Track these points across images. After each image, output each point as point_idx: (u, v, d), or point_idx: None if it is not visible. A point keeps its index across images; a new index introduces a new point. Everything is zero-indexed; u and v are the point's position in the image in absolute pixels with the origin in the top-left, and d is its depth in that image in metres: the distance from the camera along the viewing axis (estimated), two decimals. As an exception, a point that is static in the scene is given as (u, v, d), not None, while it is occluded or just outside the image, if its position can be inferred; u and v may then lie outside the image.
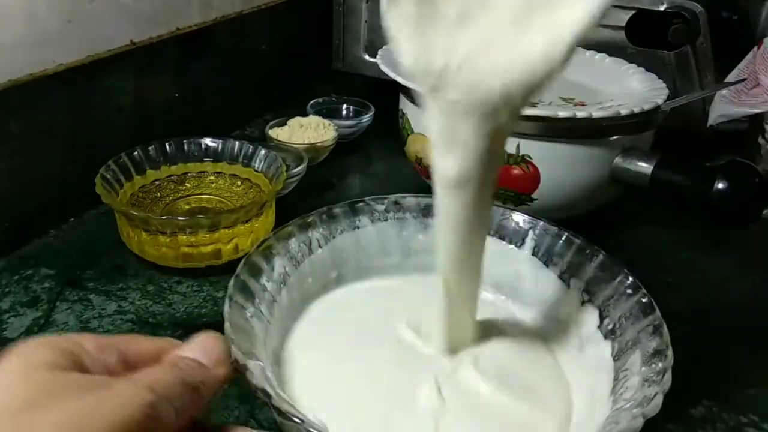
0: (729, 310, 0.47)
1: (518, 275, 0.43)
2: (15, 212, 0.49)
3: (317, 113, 0.70)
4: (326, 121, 0.66)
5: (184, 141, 0.54)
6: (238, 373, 0.28)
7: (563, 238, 0.41)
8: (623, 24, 0.62)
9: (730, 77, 0.63)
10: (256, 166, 0.54)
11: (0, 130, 0.46)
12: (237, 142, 0.55)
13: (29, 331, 0.41)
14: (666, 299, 0.36)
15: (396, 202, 0.45)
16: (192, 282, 0.47)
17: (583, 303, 0.40)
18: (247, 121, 0.75)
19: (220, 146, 0.55)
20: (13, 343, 0.40)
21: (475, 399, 0.35)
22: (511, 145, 0.48)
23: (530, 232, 0.43)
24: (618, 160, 0.49)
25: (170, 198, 0.53)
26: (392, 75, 0.53)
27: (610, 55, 0.61)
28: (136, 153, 0.52)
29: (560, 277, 0.41)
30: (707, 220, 0.47)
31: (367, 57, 0.80)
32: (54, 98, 0.50)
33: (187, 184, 0.54)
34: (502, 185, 0.50)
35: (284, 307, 0.40)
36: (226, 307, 0.33)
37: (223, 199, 0.54)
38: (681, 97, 0.55)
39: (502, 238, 0.44)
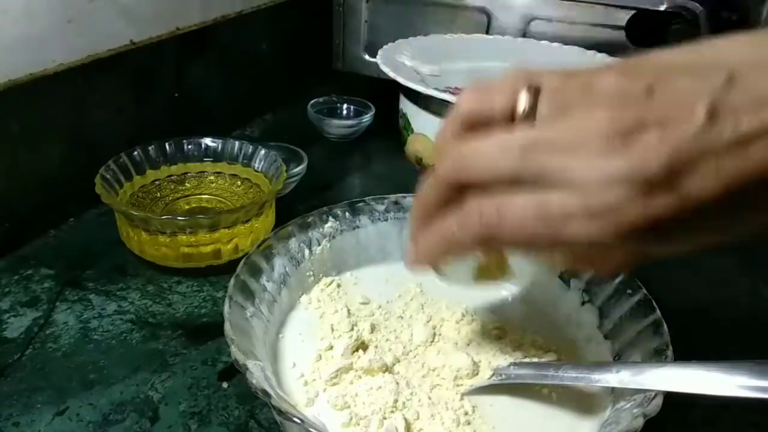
0: (729, 310, 0.47)
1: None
2: (15, 212, 0.49)
3: (317, 113, 0.70)
4: None
5: (184, 141, 0.54)
6: None
7: (563, 238, 0.41)
8: (623, 24, 0.62)
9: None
10: (256, 166, 0.54)
11: (0, 130, 0.46)
12: (237, 142, 0.55)
13: (29, 331, 0.41)
14: (666, 299, 0.36)
15: (396, 202, 0.45)
16: (192, 282, 0.47)
17: (583, 303, 0.40)
18: (247, 121, 0.75)
19: (219, 146, 0.55)
20: (12, 343, 0.40)
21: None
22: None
23: (530, 232, 0.43)
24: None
25: (170, 198, 0.53)
26: (392, 75, 0.53)
27: (611, 54, 0.61)
28: (135, 153, 0.52)
29: (560, 277, 0.41)
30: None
31: (367, 57, 0.79)
32: (54, 98, 0.50)
33: (187, 184, 0.54)
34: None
35: (284, 307, 0.40)
36: (226, 307, 0.33)
37: (223, 199, 0.54)
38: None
39: (502, 238, 0.44)
